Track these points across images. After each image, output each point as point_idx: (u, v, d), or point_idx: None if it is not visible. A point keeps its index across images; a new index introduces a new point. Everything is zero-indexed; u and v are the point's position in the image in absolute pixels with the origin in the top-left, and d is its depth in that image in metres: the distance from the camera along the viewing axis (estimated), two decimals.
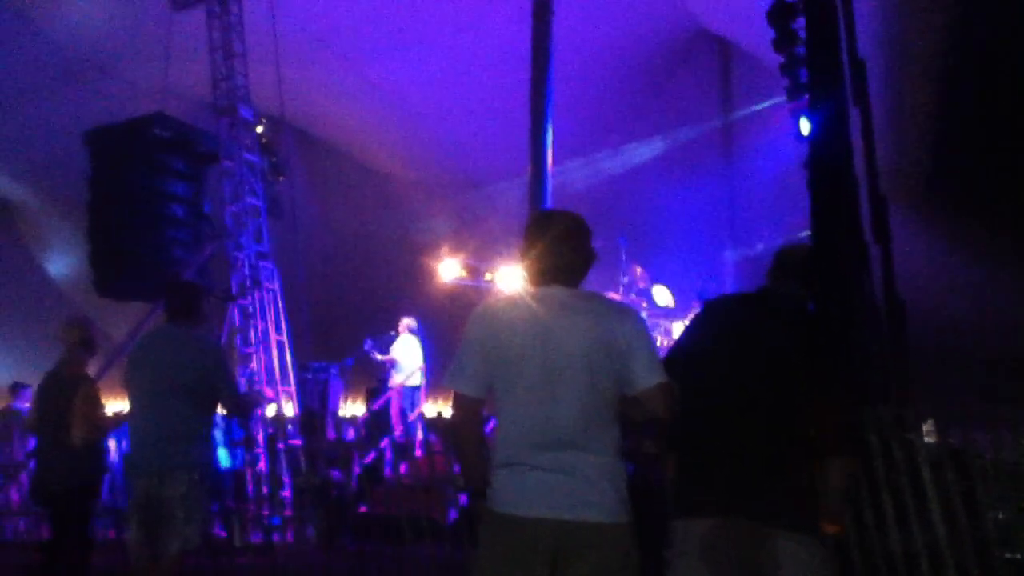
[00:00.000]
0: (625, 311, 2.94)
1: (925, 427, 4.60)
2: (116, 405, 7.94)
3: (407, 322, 11.58)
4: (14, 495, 9.10)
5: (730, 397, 3.13)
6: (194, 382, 4.48)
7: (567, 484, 2.66)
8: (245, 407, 6.34)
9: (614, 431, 2.78)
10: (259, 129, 12.10)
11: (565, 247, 2.91)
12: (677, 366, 3.14)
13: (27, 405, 9.57)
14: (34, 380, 5.46)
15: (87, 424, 4.96)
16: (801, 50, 7.75)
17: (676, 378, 3.06)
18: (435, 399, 12.94)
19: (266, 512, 9.26)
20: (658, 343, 10.39)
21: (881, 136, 7.07)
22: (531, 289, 2.92)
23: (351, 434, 11.94)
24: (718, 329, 3.32)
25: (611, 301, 3.02)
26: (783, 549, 3.00)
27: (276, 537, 8.59)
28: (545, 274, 2.91)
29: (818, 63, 6.94)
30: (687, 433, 3.13)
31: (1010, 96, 8.93)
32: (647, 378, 2.79)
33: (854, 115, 6.69)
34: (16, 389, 10.63)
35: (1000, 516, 4.38)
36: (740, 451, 3.07)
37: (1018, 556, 4.32)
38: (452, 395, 2.90)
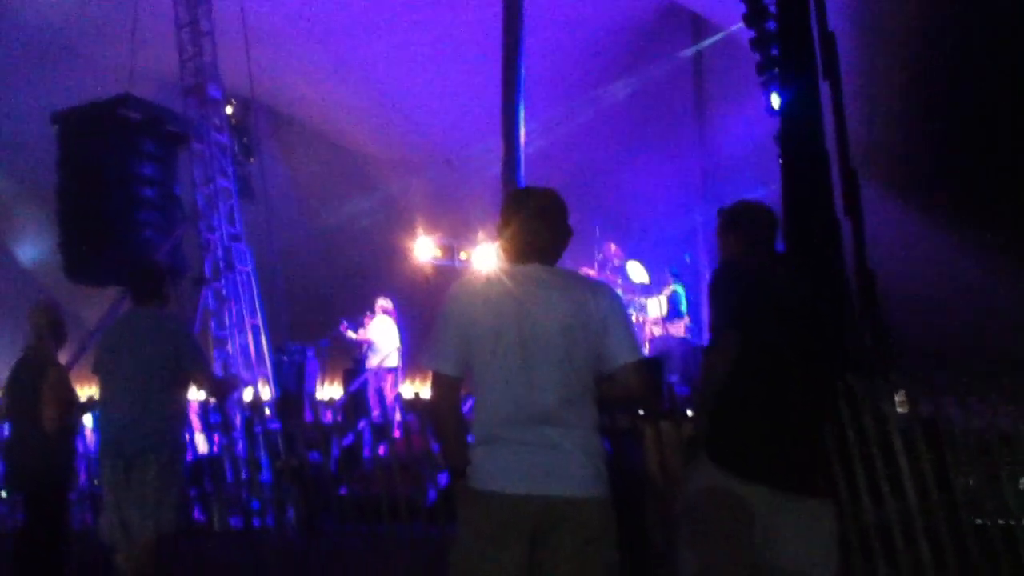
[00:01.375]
0: (601, 288, 2.94)
1: (896, 398, 4.66)
2: (89, 391, 7.88)
3: (382, 303, 11.55)
4: None
5: (785, 370, 3.16)
6: (165, 365, 4.45)
7: (545, 459, 2.68)
8: (221, 387, 6.32)
9: (591, 407, 2.80)
10: (229, 110, 11.98)
11: (542, 225, 2.91)
12: (744, 323, 3.16)
13: None
14: (2, 367, 5.40)
15: (58, 408, 4.92)
16: (772, 25, 7.78)
17: (740, 334, 3.12)
18: (412, 379, 12.96)
19: (245, 496, 9.22)
20: (633, 320, 10.46)
21: (852, 111, 7.12)
22: (508, 267, 2.92)
23: (328, 416, 11.92)
24: (775, 297, 3.29)
25: (587, 279, 3.04)
26: (806, 514, 3.08)
27: (256, 521, 8.55)
28: (522, 252, 2.91)
29: (788, 37, 6.98)
30: (737, 402, 3.14)
31: (982, 71, 9.00)
32: (623, 355, 2.81)
33: (825, 89, 6.74)
34: None
35: (970, 482, 4.46)
36: (794, 421, 3.13)
37: (987, 522, 4.40)
38: (430, 375, 2.89)
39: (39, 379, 4.96)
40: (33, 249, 18.79)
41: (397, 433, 9.16)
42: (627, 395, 2.90)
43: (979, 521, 4.41)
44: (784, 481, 3.08)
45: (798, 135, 6.53)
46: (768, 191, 7.69)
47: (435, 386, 2.88)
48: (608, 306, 2.83)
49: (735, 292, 3.30)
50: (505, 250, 2.98)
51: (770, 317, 3.21)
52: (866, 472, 4.47)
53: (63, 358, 5.77)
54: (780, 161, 6.76)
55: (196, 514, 8.55)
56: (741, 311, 3.22)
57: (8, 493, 7.86)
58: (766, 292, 3.29)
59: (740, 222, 3.49)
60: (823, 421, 3.25)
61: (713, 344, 3.24)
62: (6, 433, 5.91)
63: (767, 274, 3.37)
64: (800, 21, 6.79)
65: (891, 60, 10.19)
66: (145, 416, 4.39)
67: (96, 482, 7.67)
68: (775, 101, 7.68)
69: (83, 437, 6.87)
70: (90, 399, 5.45)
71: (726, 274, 3.42)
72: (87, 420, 6.55)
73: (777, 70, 7.57)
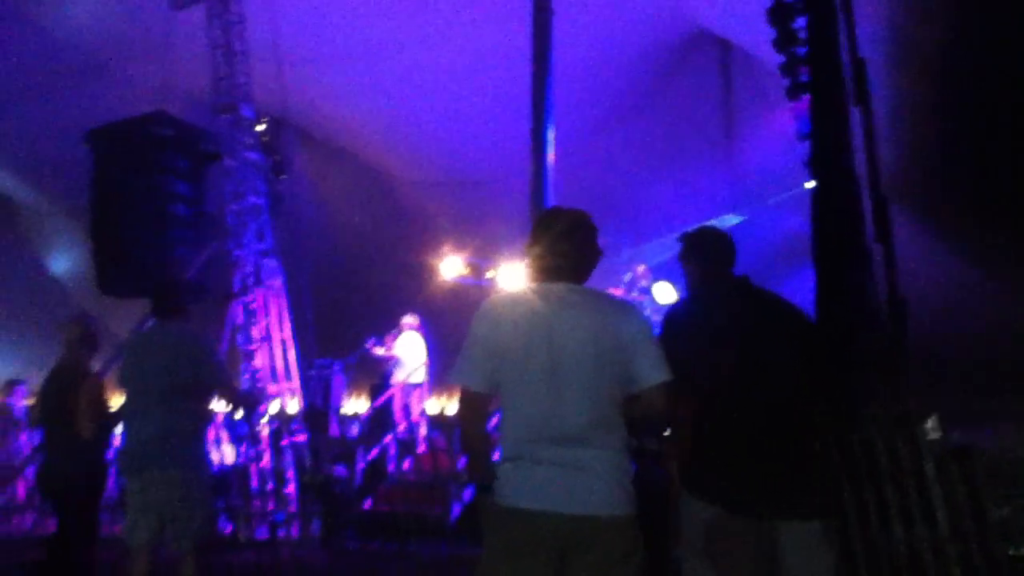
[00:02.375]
0: (629, 309, 2.96)
1: (928, 424, 4.63)
2: (118, 403, 7.96)
3: (408, 320, 11.61)
4: (20, 491, 9.13)
5: (748, 392, 3.17)
6: (186, 379, 4.52)
7: (573, 478, 2.69)
8: (244, 400, 6.38)
9: (619, 426, 2.81)
10: (260, 128, 12.12)
11: (571, 244, 2.94)
12: (681, 364, 3.18)
13: (21, 402, 9.62)
14: (37, 377, 5.50)
15: (92, 417, 4.99)
16: (801, 50, 7.77)
17: (682, 376, 3.11)
18: (439, 396, 12.97)
19: (271, 508, 9.29)
20: None
21: (883, 136, 7.10)
22: (536, 285, 2.94)
23: (355, 431, 11.98)
24: (720, 325, 3.31)
25: (616, 298, 3.06)
26: (794, 537, 3.09)
27: (280, 533, 8.61)
28: (550, 271, 2.93)
29: (818, 63, 6.97)
30: (708, 427, 3.18)
31: (1013, 96, 8.95)
32: (651, 376, 2.82)
33: (855, 115, 6.72)
34: (10, 386, 10.67)
35: (1004, 512, 4.41)
36: (761, 446, 3.13)
37: (1022, 551, 4.35)
38: (459, 391, 2.91)
39: (73, 389, 5.04)
40: (66, 262, 19.06)
41: (422, 448, 9.18)
42: (654, 415, 2.90)
43: (1012, 552, 4.37)
44: (766, 509, 3.09)
45: (828, 161, 6.51)
46: (798, 214, 7.68)
47: (463, 402, 2.90)
48: (636, 326, 2.85)
49: (674, 341, 3.26)
50: (534, 269, 2.99)
51: (709, 355, 3.21)
52: (897, 499, 4.43)
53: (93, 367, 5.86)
54: (811, 187, 6.74)
55: (222, 524, 8.61)
56: (681, 363, 3.17)
57: (41, 498, 7.96)
58: (703, 331, 3.28)
59: (694, 250, 3.51)
60: (806, 440, 3.21)
61: (672, 395, 3.23)
62: (39, 440, 6.00)
63: (715, 303, 3.36)
64: (830, 47, 6.79)
65: (922, 86, 10.15)
66: (165, 430, 4.45)
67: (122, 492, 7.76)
68: (806, 127, 7.66)
69: (112, 446, 6.93)
70: (120, 408, 5.52)
71: (666, 321, 3.43)
72: (118, 429, 6.64)
73: (807, 95, 7.56)
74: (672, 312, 3.48)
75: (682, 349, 3.28)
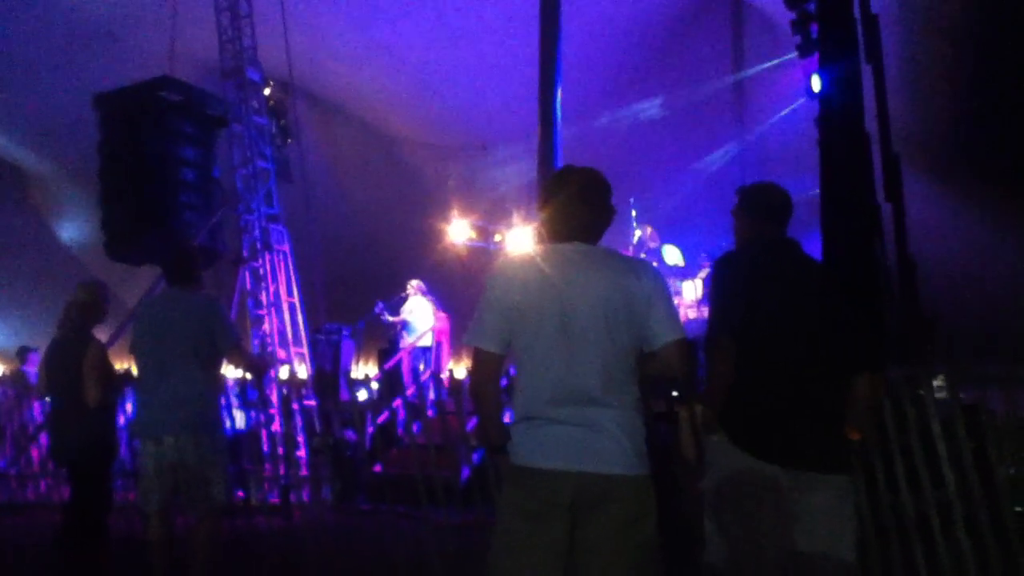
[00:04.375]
0: (643, 266, 2.92)
1: (936, 384, 4.61)
2: (124, 368, 8.01)
3: (415, 284, 11.63)
4: (35, 456, 9.23)
5: (793, 349, 3.20)
6: (199, 344, 4.51)
7: (586, 437, 2.68)
8: (256, 364, 6.38)
9: (632, 385, 2.78)
10: (267, 92, 12.04)
11: (584, 204, 2.89)
12: (734, 322, 3.21)
13: (34, 369, 9.69)
14: (46, 345, 5.50)
15: (98, 384, 5.00)
16: (812, 6, 7.66)
17: (734, 331, 3.18)
18: (458, 360, 13.01)
19: (282, 472, 9.36)
20: None
21: (895, 94, 7.01)
22: (549, 246, 2.90)
23: (364, 395, 12.05)
24: (771, 283, 3.31)
25: (629, 257, 3.01)
26: (819, 490, 3.15)
27: (292, 497, 8.68)
28: (563, 231, 2.89)
29: (829, 19, 6.87)
30: (749, 383, 3.18)
31: None
32: (665, 334, 2.79)
33: (867, 72, 6.63)
34: (24, 353, 10.75)
35: (1012, 471, 4.40)
36: (802, 408, 3.16)
37: None
38: (472, 352, 2.88)
39: (77, 356, 5.05)
40: (75, 229, 19.13)
41: (431, 412, 9.22)
42: (668, 373, 2.87)
43: (1019, 509, 4.36)
44: (799, 460, 3.13)
45: (838, 118, 6.44)
46: (808, 175, 7.61)
47: (476, 362, 2.87)
48: (651, 284, 2.81)
49: (728, 288, 3.34)
50: (546, 229, 2.95)
51: (763, 305, 3.22)
52: (905, 460, 4.43)
53: (103, 337, 5.87)
54: (819, 145, 6.66)
55: (234, 489, 8.69)
56: (732, 310, 3.25)
57: (54, 466, 8.05)
58: (758, 280, 3.29)
59: (749, 204, 3.51)
60: (839, 397, 3.23)
61: (712, 347, 3.25)
62: (48, 409, 6.04)
63: (767, 258, 3.36)
64: (842, 2, 6.69)
65: (935, 43, 10.01)
66: (181, 395, 4.46)
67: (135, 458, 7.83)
68: (816, 84, 7.57)
69: (124, 412, 6.99)
70: (126, 372, 5.53)
71: (720, 268, 3.44)
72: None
73: (818, 52, 7.46)
74: (720, 263, 3.47)
75: (727, 303, 3.32)
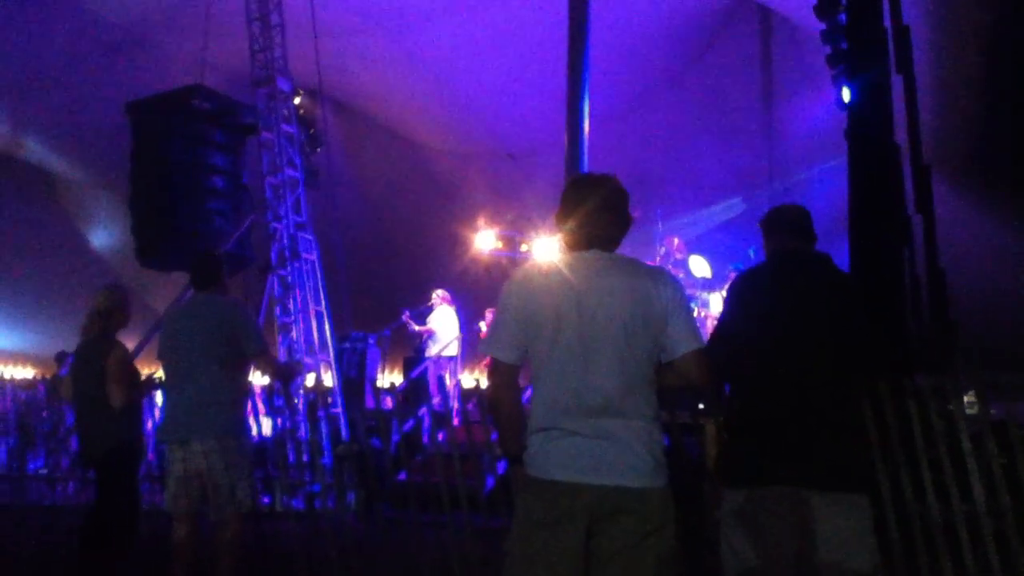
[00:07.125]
0: (662, 275, 2.90)
1: (966, 398, 4.55)
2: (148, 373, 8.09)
3: (440, 293, 11.66)
4: (64, 459, 9.33)
5: (794, 366, 3.19)
6: (226, 349, 4.56)
7: (604, 449, 2.66)
8: (283, 371, 6.42)
9: (651, 396, 2.76)
10: (297, 100, 12.14)
11: (609, 212, 2.88)
12: (729, 339, 3.26)
13: None
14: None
15: (123, 386, 5.04)
16: (843, 17, 7.63)
17: (729, 349, 3.20)
18: (472, 369, 13.02)
19: (307, 479, 9.41)
20: (695, 315, 10.38)
21: (925, 105, 6.95)
22: (568, 255, 2.89)
23: (389, 403, 12.08)
24: (772, 297, 3.35)
25: (648, 266, 2.97)
26: (828, 509, 3.10)
27: (317, 503, 8.71)
28: (582, 239, 2.88)
29: (860, 29, 6.83)
30: (747, 403, 3.22)
31: None
32: (684, 344, 2.78)
33: (897, 83, 6.58)
34: (62, 358, 10.90)
35: None
36: (804, 419, 3.15)
37: None
38: (489, 362, 2.89)
39: (101, 359, 5.10)
40: (106, 235, 19.35)
41: (456, 421, 9.23)
42: (688, 384, 2.86)
43: None
44: (806, 474, 3.11)
45: (868, 129, 6.39)
46: (836, 187, 7.56)
47: (493, 373, 2.87)
48: (670, 293, 2.80)
49: (727, 301, 3.50)
50: (565, 237, 2.94)
51: (764, 315, 3.29)
52: (933, 473, 4.38)
53: (131, 343, 5.92)
54: (848, 156, 6.62)
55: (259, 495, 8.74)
56: (730, 323, 3.37)
57: (81, 469, 8.13)
58: (761, 291, 3.39)
59: (764, 221, 3.62)
60: (850, 409, 3.23)
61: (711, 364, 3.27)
62: (74, 413, 6.09)
63: (778, 269, 3.45)
64: (873, 13, 6.64)
65: (965, 54, 9.92)
66: (207, 400, 4.50)
67: (162, 462, 7.91)
68: (846, 95, 7.53)
69: (152, 416, 7.05)
70: (149, 376, 5.58)
71: (733, 282, 3.59)
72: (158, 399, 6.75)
73: (848, 63, 7.42)
74: (733, 282, 3.61)
75: (730, 320, 3.41)
